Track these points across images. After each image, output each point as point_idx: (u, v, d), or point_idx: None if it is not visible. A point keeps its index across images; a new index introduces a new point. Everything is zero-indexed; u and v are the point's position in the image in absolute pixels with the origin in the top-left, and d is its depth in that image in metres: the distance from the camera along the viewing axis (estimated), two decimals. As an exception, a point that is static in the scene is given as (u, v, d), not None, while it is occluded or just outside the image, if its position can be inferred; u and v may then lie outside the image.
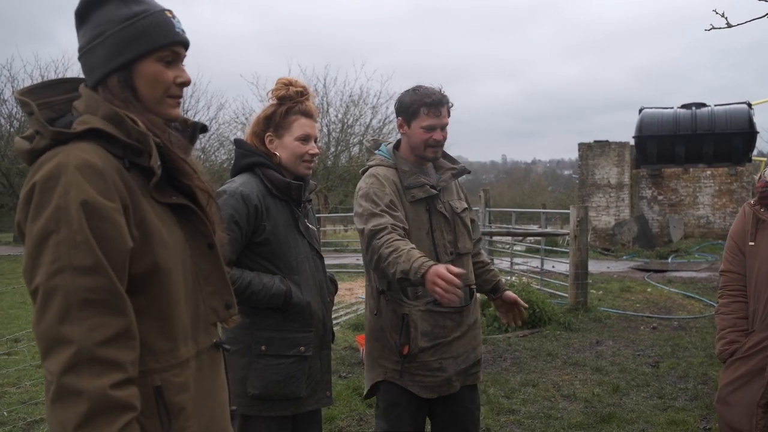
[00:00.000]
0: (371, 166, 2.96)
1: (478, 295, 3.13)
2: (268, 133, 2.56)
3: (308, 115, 2.58)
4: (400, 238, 2.62)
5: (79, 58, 1.58)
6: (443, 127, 2.87)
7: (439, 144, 2.87)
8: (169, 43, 1.58)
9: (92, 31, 1.55)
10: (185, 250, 1.58)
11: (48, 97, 1.54)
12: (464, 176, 3.15)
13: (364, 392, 3.04)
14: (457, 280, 2.37)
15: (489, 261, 3.23)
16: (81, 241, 1.38)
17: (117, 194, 1.45)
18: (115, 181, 1.45)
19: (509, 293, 3.12)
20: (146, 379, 1.48)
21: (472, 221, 3.12)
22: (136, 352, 1.44)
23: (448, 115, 2.89)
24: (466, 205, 3.05)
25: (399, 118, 2.94)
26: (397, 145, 3.02)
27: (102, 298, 1.39)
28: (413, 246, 2.60)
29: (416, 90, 2.88)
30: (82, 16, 1.57)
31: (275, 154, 2.56)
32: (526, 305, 3.13)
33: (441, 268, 2.40)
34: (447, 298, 2.37)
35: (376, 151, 3.03)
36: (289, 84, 2.57)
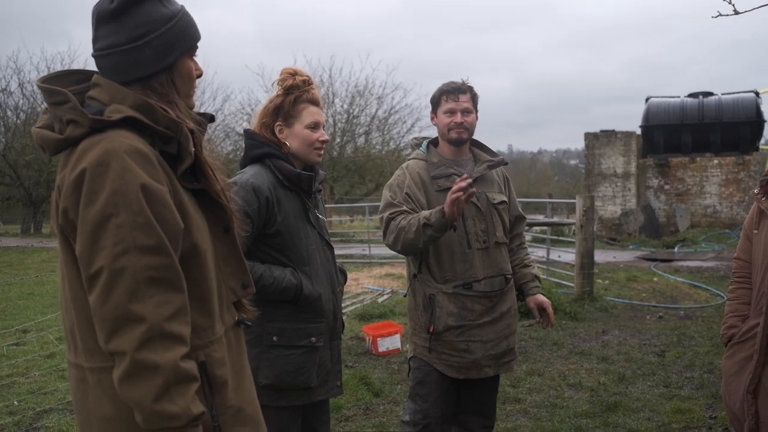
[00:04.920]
0: (408, 159, 3.22)
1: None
2: (277, 123, 2.56)
3: (315, 102, 2.60)
4: (415, 214, 2.92)
5: (109, 55, 1.59)
6: (464, 111, 3.08)
7: (460, 125, 3.08)
8: (198, 39, 1.67)
9: (134, 31, 1.57)
10: (209, 233, 1.66)
11: (64, 88, 1.56)
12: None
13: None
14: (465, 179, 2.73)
15: (524, 260, 3.29)
16: (143, 222, 1.44)
17: (163, 178, 1.51)
18: (159, 165, 1.52)
19: (533, 300, 3.20)
20: (192, 355, 1.53)
21: (518, 218, 3.29)
22: (190, 327, 1.51)
23: (473, 104, 3.12)
24: (504, 198, 3.19)
25: (431, 112, 3.20)
26: (436, 142, 3.24)
27: (165, 276, 1.46)
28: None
29: (440, 85, 3.15)
30: (116, 13, 1.58)
31: (285, 143, 2.56)
32: (550, 317, 3.18)
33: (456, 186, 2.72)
34: (459, 187, 2.69)
35: (419, 148, 3.24)
36: (294, 73, 2.58)
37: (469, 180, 2.74)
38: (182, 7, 1.66)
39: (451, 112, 3.07)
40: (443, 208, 2.76)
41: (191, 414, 1.44)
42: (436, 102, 3.14)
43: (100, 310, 1.42)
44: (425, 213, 2.85)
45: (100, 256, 1.42)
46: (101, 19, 1.60)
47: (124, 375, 1.41)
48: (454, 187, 2.72)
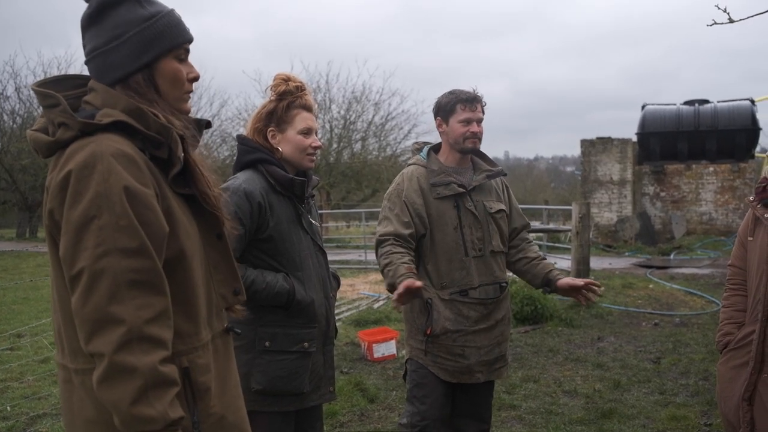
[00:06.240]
0: (408, 165, 3.22)
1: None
2: (270, 128, 2.56)
3: (308, 108, 2.60)
4: (397, 250, 2.94)
5: (93, 58, 1.61)
6: (479, 121, 3.09)
7: (476, 136, 3.08)
8: (184, 41, 1.66)
9: (111, 32, 1.58)
10: (199, 239, 1.65)
11: (59, 92, 1.58)
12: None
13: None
14: (401, 290, 2.71)
15: (538, 255, 3.23)
16: (125, 224, 1.44)
17: (150, 182, 1.51)
18: (147, 169, 1.52)
19: (563, 282, 3.04)
20: (175, 360, 1.52)
21: (524, 225, 3.28)
22: (172, 331, 1.51)
23: (483, 113, 3.12)
24: (502, 207, 3.19)
25: (437, 118, 3.16)
26: (437, 148, 3.23)
27: (147, 278, 1.45)
28: (405, 259, 2.90)
29: (452, 91, 3.13)
30: (95, 18, 1.60)
31: (278, 149, 2.57)
32: (593, 283, 3.02)
33: (405, 283, 2.72)
34: (397, 300, 2.75)
35: (420, 154, 3.24)
36: (287, 79, 2.58)
37: (414, 287, 2.72)
38: (170, 9, 1.66)
39: (468, 122, 3.05)
40: (402, 282, 2.74)
41: (169, 418, 1.43)
42: (450, 110, 3.08)
43: (80, 311, 1.42)
44: (392, 273, 2.84)
45: (81, 257, 1.42)
46: (84, 25, 1.63)
47: (102, 377, 1.41)
48: (402, 290, 2.71)
